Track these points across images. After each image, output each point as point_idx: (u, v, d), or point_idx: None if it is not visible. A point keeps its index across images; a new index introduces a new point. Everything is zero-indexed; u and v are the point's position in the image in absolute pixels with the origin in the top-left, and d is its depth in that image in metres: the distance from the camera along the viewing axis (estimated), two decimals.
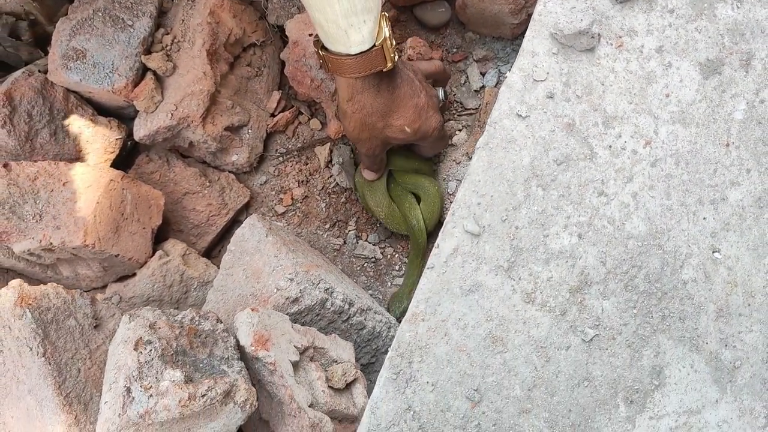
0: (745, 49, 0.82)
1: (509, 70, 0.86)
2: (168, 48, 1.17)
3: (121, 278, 1.14)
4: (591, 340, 0.75)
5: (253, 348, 0.88)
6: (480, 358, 0.74)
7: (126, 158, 1.24)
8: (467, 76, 1.33)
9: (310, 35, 1.17)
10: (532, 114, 0.81)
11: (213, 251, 1.28)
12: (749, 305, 0.75)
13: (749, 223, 0.77)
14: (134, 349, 0.81)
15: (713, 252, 0.77)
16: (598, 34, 0.83)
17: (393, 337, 0.82)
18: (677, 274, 0.76)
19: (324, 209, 1.30)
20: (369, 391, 0.90)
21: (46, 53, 1.24)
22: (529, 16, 0.87)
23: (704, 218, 0.78)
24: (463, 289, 0.77)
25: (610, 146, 0.80)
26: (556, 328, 0.75)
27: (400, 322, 1.24)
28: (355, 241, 1.30)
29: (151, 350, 0.81)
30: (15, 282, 0.91)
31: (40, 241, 1.01)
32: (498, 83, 1.30)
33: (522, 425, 0.73)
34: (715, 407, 0.73)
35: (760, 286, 0.75)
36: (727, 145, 0.80)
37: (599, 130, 0.81)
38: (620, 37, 0.83)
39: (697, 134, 0.80)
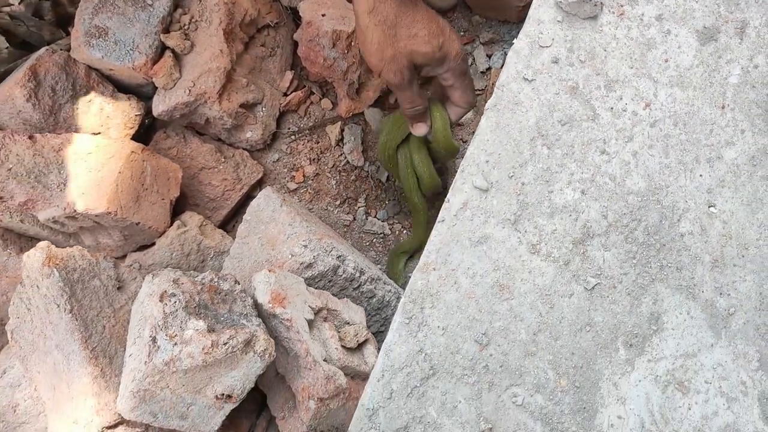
0: (740, 17, 0.86)
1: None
2: (186, 27, 1.21)
3: (140, 248, 1.19)
4: (593, 288, 0.79)
5: (270, 305, 0.92)
6: (488, 305, 0.79)
7: (144, 135, 1.28)
8: (474, 58, 1.37)
9: (323, 15, 1.22)
10: (537, 78, 0.86)
11: (227, 225, 1.32)
12: (743, 256, 0.79)
13: (743, 180, 0.81)
14: (160, 301, 0.85)
15: (709, 207, 0.81)
16: (601, 3, 0.87)
17: None
18: (675, 227, 0.81)
19: (334, 186, 1.34)
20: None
21: (68, 33, 1.29)
22: None
23: (700, 175, 0.82)
24: (472, 240, 0.81)
25: (612, 108, 0.85)
26: (559, 277, 0.79)
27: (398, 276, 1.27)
28: (364, 217, 1.35)
29: (175, 302, 0.85)
30: (43, 243, 0.95)
31: (65, 208, 1.05)
32: (503, 65, 1.34)
33: (527, 367, 0.77)
34: (710, 351, 0.77)
35: (753, 238, 0.80)
36: (723, 107, 0.84)
37: (601, 93, 0.85)
38: (622, 5, 0.88)
39: (695, 97, 0.84)
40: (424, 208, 1.21)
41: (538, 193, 0.82)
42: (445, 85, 1.02)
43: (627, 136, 0.84)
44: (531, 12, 0.87)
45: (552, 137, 0.84)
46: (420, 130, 1.07)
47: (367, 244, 1.34)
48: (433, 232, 0.81)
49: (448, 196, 0.82)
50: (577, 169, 0.83)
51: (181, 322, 0.84)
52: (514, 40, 0.87)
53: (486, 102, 0.88)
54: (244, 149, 1.31)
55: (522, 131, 0.84)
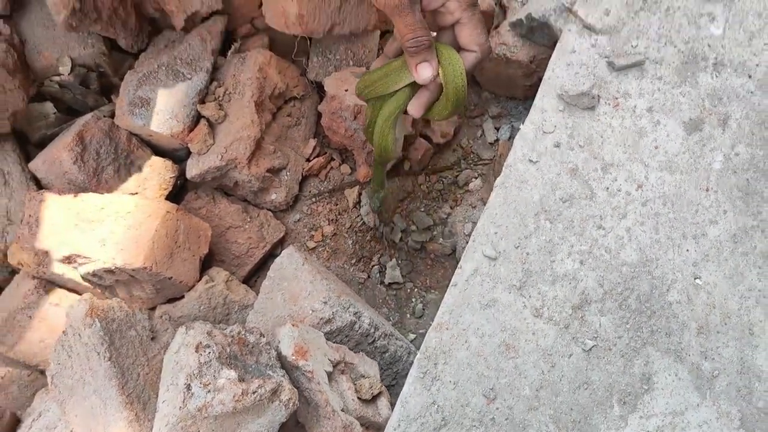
0: (723, 111, 0.97)
1: (521, 124, 1.00)
2: (220, 98, 1.32)
3: (169, 300, 1.27)
4: (590, 349, 0.87)
5: (293, 357, 0.99)
6: (495, 362, 0.87)
7: (176, 195, 1.38)
8: (483, 130, 1.48)
9: (346, 90, 1.33)
10: (541, 159, 0.96)
11: (250, 281, 1.40)
12: (726, 324, 0.88)
13: (726, 255, 0.91)
14: (195, 351, 0.93)
15: (695, 278, 0.90)
16: (598, 96, 0.98)
17: (412, 362, 0.94)
18: (664, 296, 0.90)
19: (351, 246, 1.43)
20: (392, 406, 1.01)
21: (110, 100, 1.40)
22: (540, 78, 1.03)
23: (687, 250, 0.91)
24: (481, 303, 0.90)
25: (608, 188, 0.95)
26: (560, 338, 0.88)
27: (378, 210, 1.34)
28: (378, 275, 1.43)
29: (209, 353, 0.93)
30: (87, 294, 1.04)
31: (105, 263, 1.13)
32: (510, 137, 1.44)
33: (530, 420, 0.85)
34: (696, 410, 0.85)
35: (735, 308, 0.88)
36: (707, 189, 0.94)
37: (598, 174, 0.95)
38: (616, 98, 0.99)
39: (682, 180, 0.94)
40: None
41: (541, 262, 0.91)
42: (452, 22, 0.89)
43: (621, 213, 0.93)
44: (536, 102, 0.98)
45: (554, 213, 0.93)
46: (424, 72, 0.88)
47: (381, 301, 1.42)
48: (447, 295, 0.90)
49: (460, 263, 0.91)
50: (577, 241, 0.92)
51: (215, 371, 0.92)
52: (521, 126, 0.98)
53: (495, 177, 0.98)
54: (268, 210, 1.40)
55: (527, 206, 0.94)
